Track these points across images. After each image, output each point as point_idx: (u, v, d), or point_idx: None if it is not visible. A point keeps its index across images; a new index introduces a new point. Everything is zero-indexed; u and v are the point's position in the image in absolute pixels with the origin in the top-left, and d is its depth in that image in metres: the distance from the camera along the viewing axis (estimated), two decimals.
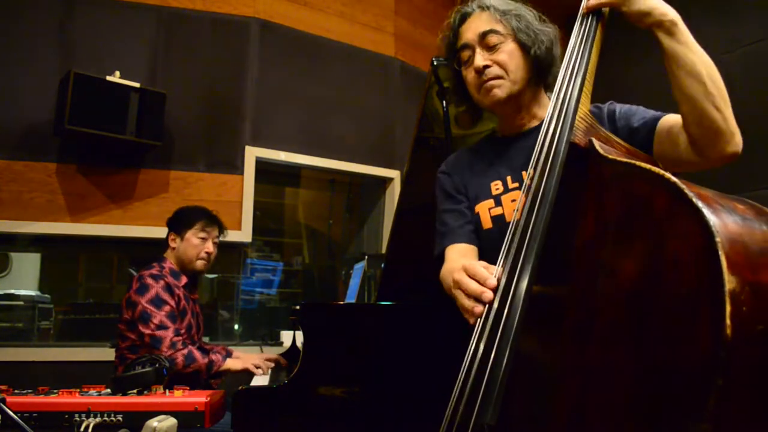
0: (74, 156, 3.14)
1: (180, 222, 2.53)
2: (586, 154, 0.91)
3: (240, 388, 1.77)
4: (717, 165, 1.11)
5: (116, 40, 3.27)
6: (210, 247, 2.52)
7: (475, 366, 0.85)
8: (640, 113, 1.23)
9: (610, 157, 0.85)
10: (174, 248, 2.50)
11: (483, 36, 1.25)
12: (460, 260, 1.25)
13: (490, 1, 1.28)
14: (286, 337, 3.46)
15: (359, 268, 2.72)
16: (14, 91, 3.06)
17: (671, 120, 1.17)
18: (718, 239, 0.64)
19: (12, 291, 3.39)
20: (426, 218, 1.45)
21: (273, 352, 2.91)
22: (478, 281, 0.93)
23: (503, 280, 0.89)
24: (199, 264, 2.51)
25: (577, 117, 0.97)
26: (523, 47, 1.24)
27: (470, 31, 1.28)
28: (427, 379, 1.81)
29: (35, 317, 3.32)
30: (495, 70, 1.25)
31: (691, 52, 1.07)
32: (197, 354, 2.26)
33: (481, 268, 0.95)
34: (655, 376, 0.69)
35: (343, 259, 4.45)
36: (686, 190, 0.70)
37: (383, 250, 3.45)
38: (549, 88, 1.34)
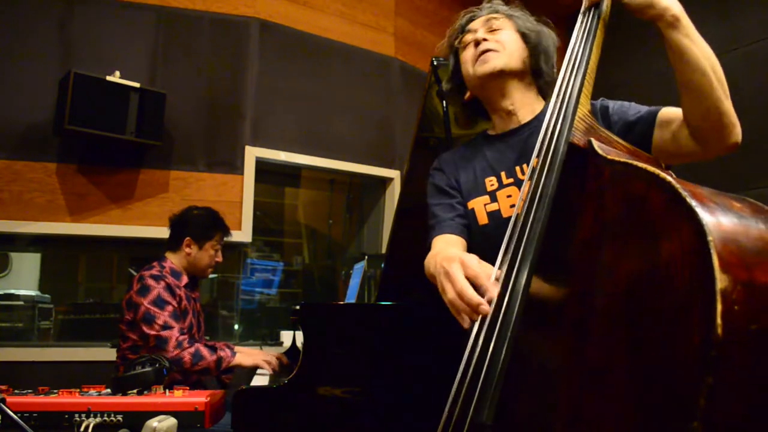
0: (74, 156, 3.14)
1: (201, 231, 2.49)
2: (585, 154, 0.91)
3: (240, 388, 1.77)
4: (719, 155, 1.13)
5: (116, 40, 3.27)
6: (220, 256, 2.56)
7: (472, 365, 0.85)
8: (634, 107, 1.25)
9: (609, 157, 0.86)
10: (189, 254, 2.47)
11: (487, 20, 1.36)
12: (447, 248, 1.26)
13: (500, 7, 1.37)
14: (286, 337, 3.46)
15: (359, 268, 2.72)
16: (14, 91, 3.06)
17: (671, 113, 1.18)
18: (710, 238, 0.64)
19: (12, 291, 3.40)
20: (426, 218, 1.46)
21: (273, 352, 2.91)
22: (476, 288, 0.91)
23: (502, 277, 0.89)
24: (209, 272, 2.57)
25: (576, 117, 0.97)
26: (524, 37, 1.33)
27: (476, 22, 1.38)
28: (426, 380, 1.81)
29: (35, 317, 3.32)
30: (493, 44, 1.32)
31: (695, 45, 1.07)
32: (205, 351, 2.24)
33: (483, 273, 0.92)
34: (648, 375, 0.69)
35: (343, 259, 4.45)
36: (680, 189, 0.70)
37: (383, 250, 3.45)
38: (542, 92, 1.37)
